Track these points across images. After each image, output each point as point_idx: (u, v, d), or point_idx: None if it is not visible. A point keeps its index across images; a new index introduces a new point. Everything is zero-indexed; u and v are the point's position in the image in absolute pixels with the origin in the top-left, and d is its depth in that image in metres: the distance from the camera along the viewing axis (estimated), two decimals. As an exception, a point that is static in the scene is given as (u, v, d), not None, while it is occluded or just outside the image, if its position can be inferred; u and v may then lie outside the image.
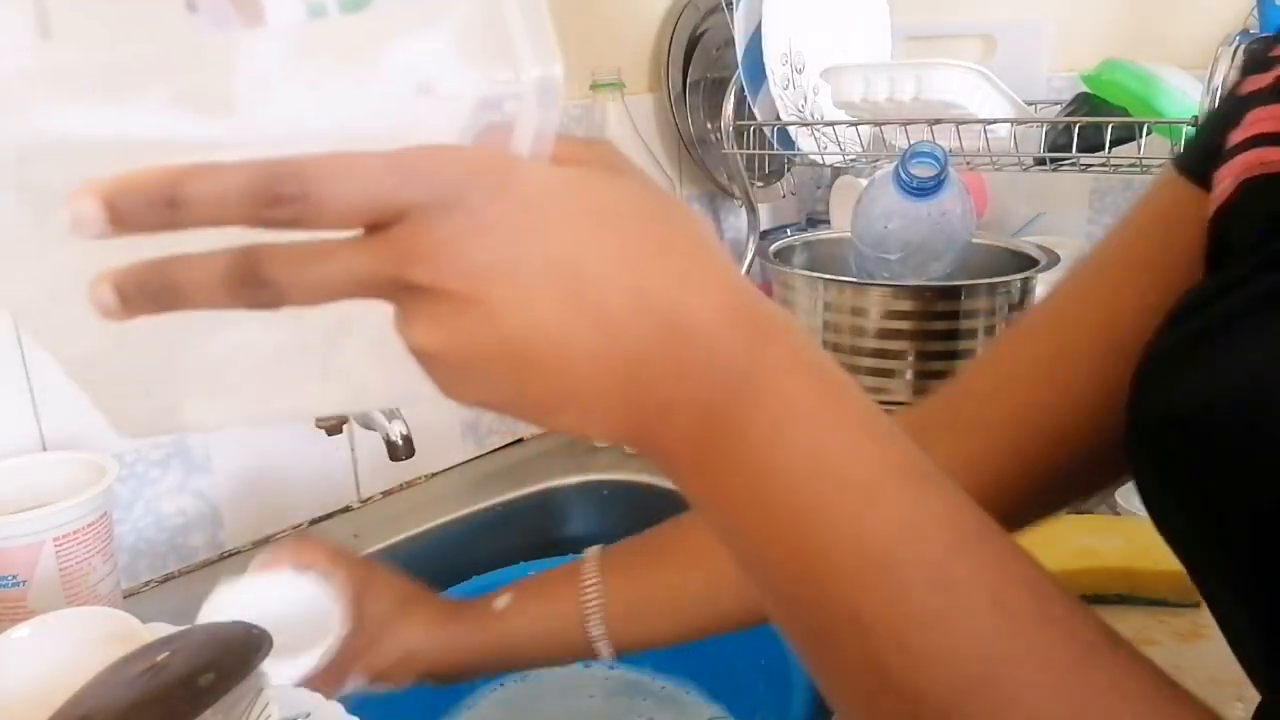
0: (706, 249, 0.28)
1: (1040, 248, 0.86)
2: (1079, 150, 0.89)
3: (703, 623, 0.53)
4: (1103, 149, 0.87)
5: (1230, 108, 0.37)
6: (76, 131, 0.26)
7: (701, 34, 1.18)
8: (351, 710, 0.56)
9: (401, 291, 0.26)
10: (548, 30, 0.26)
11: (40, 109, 0.26)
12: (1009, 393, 0.44)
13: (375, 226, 0.26)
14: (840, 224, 1.15)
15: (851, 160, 1.06)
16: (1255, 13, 0.95)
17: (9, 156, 0.26)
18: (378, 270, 0.26)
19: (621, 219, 0.27)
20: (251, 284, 0.26)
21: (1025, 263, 0.84)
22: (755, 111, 1.07)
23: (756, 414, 0.27)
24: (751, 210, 1.17)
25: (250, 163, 0.25)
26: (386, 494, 0.95)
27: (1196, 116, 0.80)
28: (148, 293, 0.28)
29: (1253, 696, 0.38)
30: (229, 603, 0.53)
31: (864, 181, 1.04)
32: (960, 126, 0.91)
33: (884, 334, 0.78)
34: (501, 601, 0.56)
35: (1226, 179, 0.35)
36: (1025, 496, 0.43)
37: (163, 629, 0.56)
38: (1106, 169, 0.93)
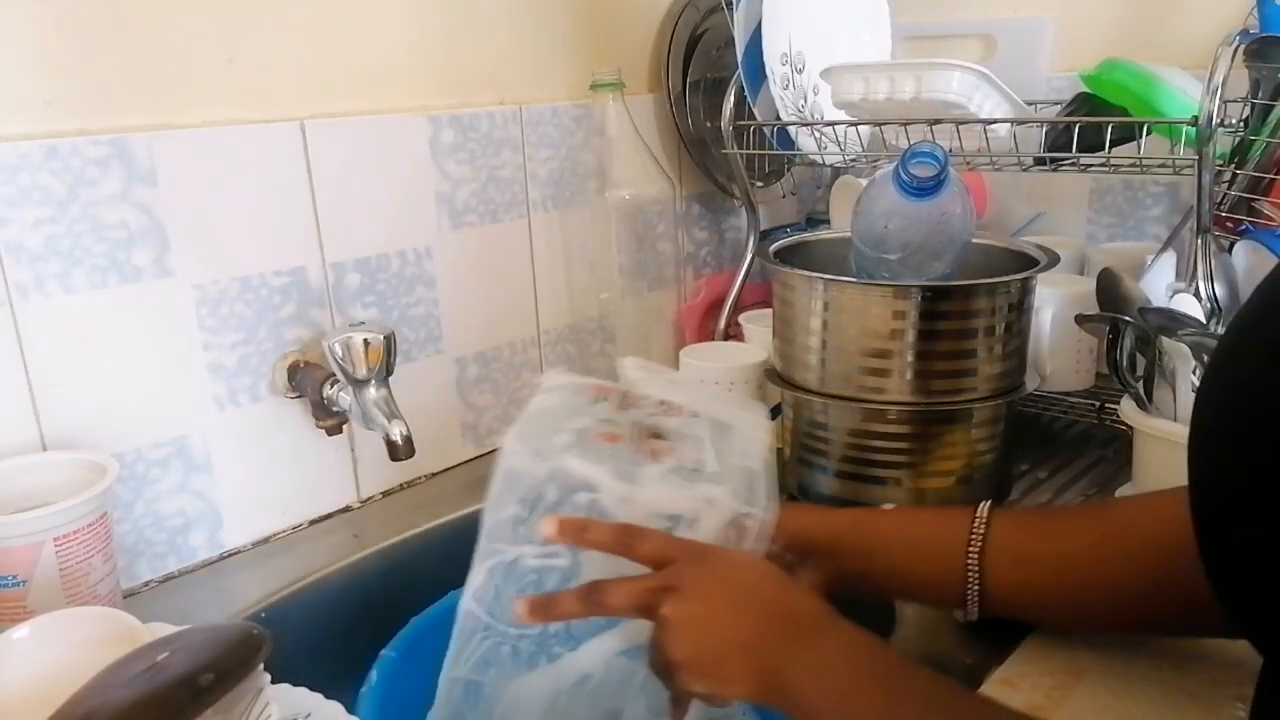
0: (810, 622, 0.51)
1: (1040, 248, 0.86)
2: (1079, 150, 0.89)
3: (1090, 596, 0.56)
4: (1103, 149, 0.87)
5: None
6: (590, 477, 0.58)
7: (701, 34, 1.18)
8: (353, 711, 0.56)
9: (663, 601, 0.51)
10: (774, 493, 0.57)
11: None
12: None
13: (658, 566, 0.53)
14: (840, 224, 1.15)
15: (851, 160, 1.06)
16: (1255, 13, 0.95)
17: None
18: (659, 584, 0.51)
19: (764, 586, 0.53)
20: (590, 596, 0.53)
21: (1025, 263, 0.84)
22: (755, 111, 1.07)
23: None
24: (751, 210, 1.17)
25: (616, 525, 0.55)
26: (386, 494, 0.95)
27: (1196, 116, 0.80)
28: (541, 607, 0.53)
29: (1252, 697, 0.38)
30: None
31: (864, 181, 1.04)
32: (960, 126, 0.91)
33: (884, 334, 0.78)
34: (889, 505, 0.65)
35: None
36: None
37: (163, 629, 0.56)
38: (1106, 169, 0.93)
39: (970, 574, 0.58)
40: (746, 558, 0.55)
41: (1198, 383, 0.79)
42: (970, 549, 0.58)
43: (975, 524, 0.59)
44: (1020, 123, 0.92)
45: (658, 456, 0.59)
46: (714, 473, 0.58)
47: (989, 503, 0.60)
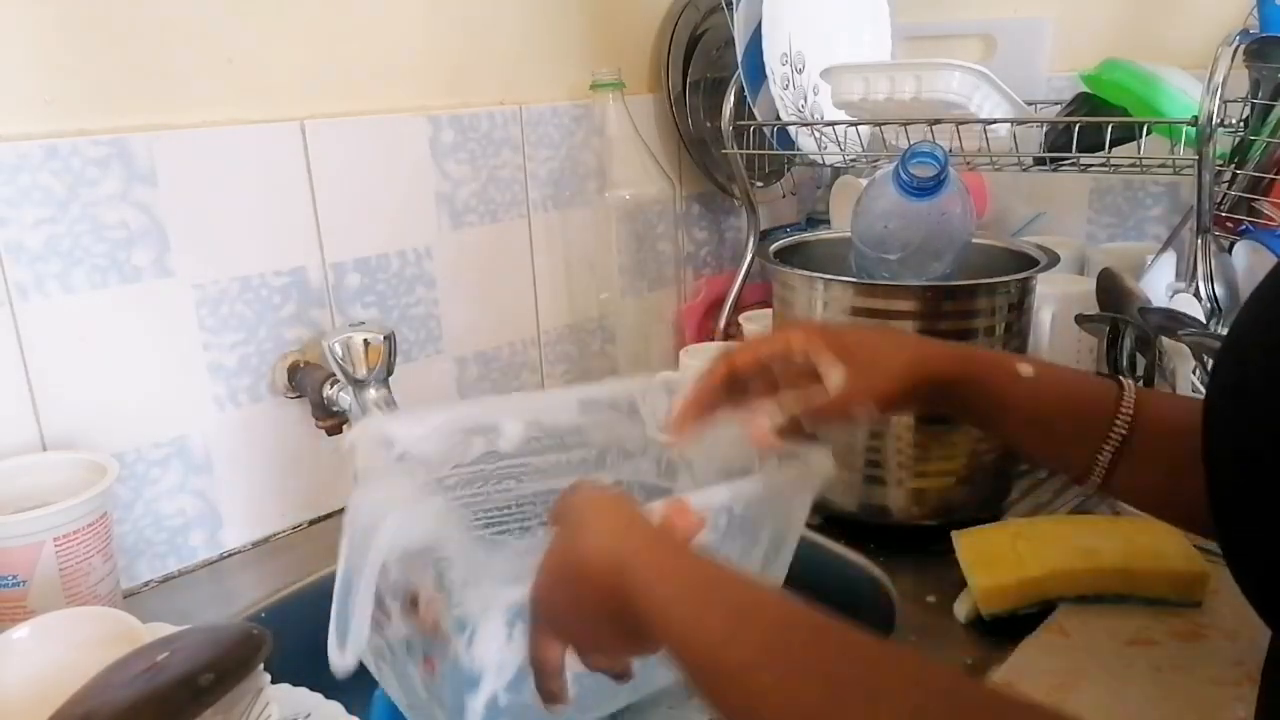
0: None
1: (1040, 248, 0.86)
2: (1079, 150, 0.89)
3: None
4: (1103, 149, 0.87)
5: None
6: None
7: (701, 34, 1.18)
8: (353, 712, 0.56)
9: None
10: None
11: None
12: None
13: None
14: (840, 224, 1.15)
15: (851, 160, 1.06)
16: (1255, 13, 0.95)
17: None
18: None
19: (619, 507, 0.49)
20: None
21: (1025, 263, 0.84)
22: (755, 111, 1.07)
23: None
24: (751, 210, 1.17)
25: None
26: (386, 494, 0.95)
27: (1196, 116, 0.80)
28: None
29: (1252, 698, 0.38)
30: None
31: (864, 181, 1.04)
32: (960, 126, 0.91)
33: (884, 334, 0.78)
34: (1025, 369, 0.58)
35: None
36: None
37: (163, 629, 0.56)
38: (1106, 169, 0.93)
39: (1096, 469, 0.55)
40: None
41: (1207, 374, 0.79)
42: (1104, 445, 0.55)
43: (1123, 404, 0.55)
44: (1020, 123, 0.92)
45: None
46: None
47: (1135, 390, 0.56)
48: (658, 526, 0.48)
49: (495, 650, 0.51)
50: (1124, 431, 0.55)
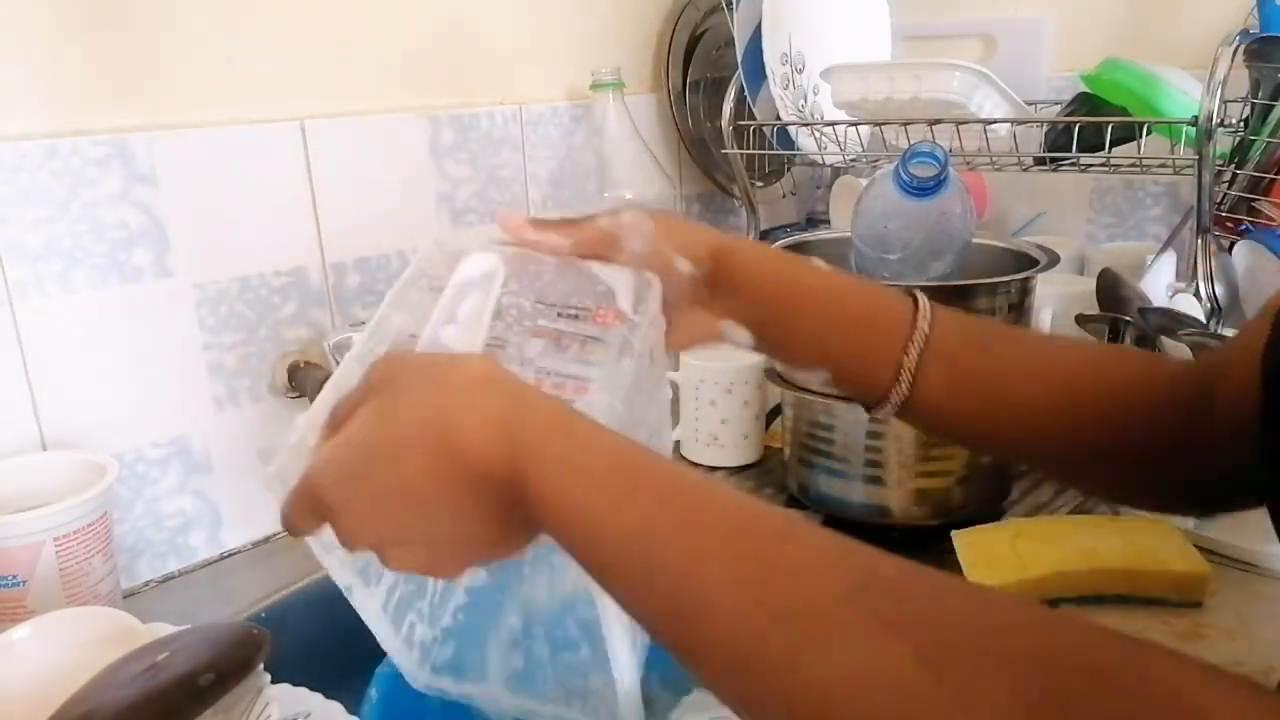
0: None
1: (1040, 248, 0.86)
2: (1079, 150, 0.89)
3: (1021, 431, 0.51)
4: (1103, 149, 0.87)
5: None
6: None
7: (701, 34, 1.18)
8: (353, 712, 0.56)
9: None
10: None
11: None
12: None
13: None
14: (840, 224, 1.15)
15: (851, 160, 1.06)
16: (1255, 13, 0.95)
17: None
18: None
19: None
20: None
21: (1025, 263, 0.84)
22: (755, 111, 1.07)
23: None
24: (751, 210, 1.17)
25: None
26: (386, 494, 0.95)
27: (1196, 116, 0.80)
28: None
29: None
30: None
31: (864, 181, 1.04)
32: (960, 126, 0.91)
33: (884, 334, 0.78)
34: (821, 264, 0.54)
35: None
36: None
37: (163, 629, 0.56)
38: (1106, 169, 0.93)
39: (902, 376, 0.51)
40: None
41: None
42: (908, 349, 0.51)
43: (917, 323, 0.51)
44: (1020, 123, 0.92)
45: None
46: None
47: (930, 303, 0.53)
48: (551, 400, 0.39)
49: None
50: (926, 332, 0.51)
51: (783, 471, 0.91)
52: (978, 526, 0.77)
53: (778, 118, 1.05)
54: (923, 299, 0.53)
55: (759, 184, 1.21)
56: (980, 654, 0.28)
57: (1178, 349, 0.76)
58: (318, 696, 0.57)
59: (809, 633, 0.30)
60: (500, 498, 0.36)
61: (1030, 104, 0.99)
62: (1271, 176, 0.87)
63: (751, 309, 0.52)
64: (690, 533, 0.33)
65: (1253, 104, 0.87)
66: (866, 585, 0.30)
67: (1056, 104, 1.00)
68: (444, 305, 0.45)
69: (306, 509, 0.38)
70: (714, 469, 0.95)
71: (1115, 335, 0.81)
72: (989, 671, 0.28)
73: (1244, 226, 0.92)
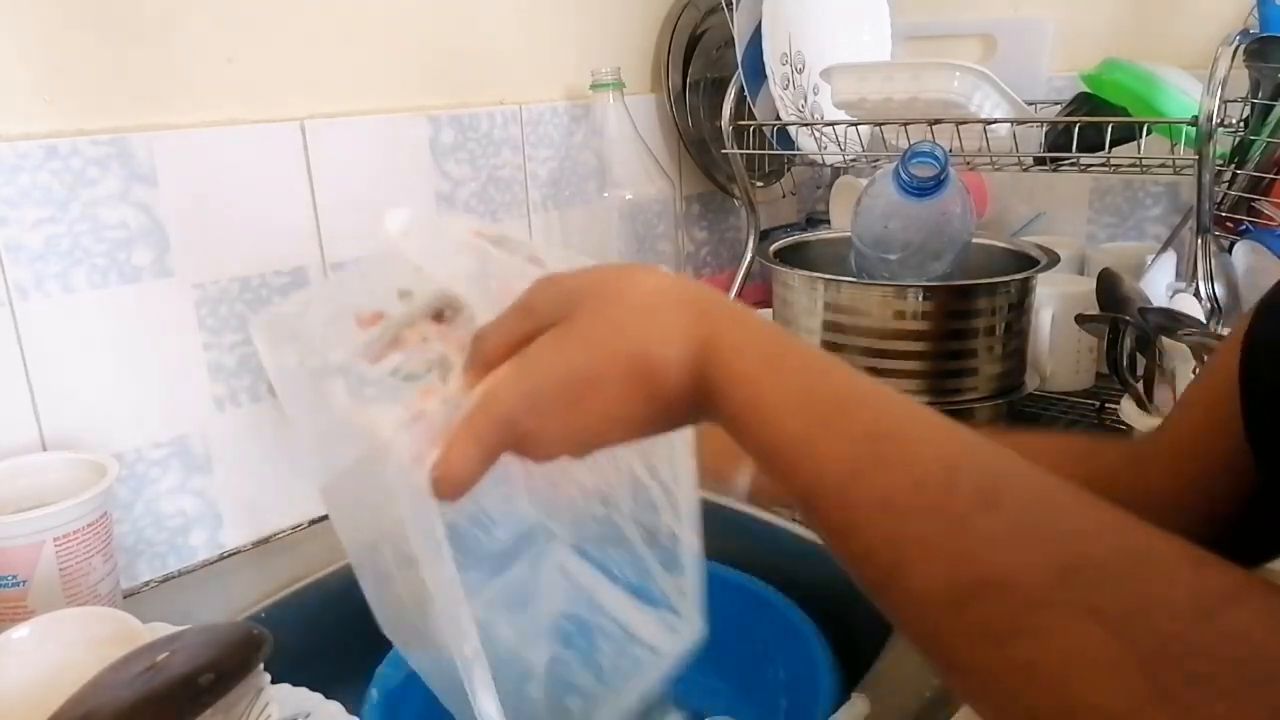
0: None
1: (1040, 248, 0.86)
2: (1079, 150, 0.89)
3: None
4: (1103, 149, 0.87)
5: None
6: None
7: (701, 34, 1.18)
8: (353, 712, 0.56)
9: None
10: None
11: None
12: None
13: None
14: (840, 224, 1.15)
15: (851, 160, 1.06)
16: (1255, 13, 0.95)
17: None
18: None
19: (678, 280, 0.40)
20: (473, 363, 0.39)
21: (1025, 263, 0.84)
22: (755, 111, 1.07)
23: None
24: (751, 210, 1.17)
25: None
26: (386, 494, 0.95)
27: (1196, 116, 0.80)
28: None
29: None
30: None
31: (864, 181, 1.04)
32: (960, 126, 0.91)
33: (884, 334, 0.78)
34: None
35: None
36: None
37: (163, 629, 0.56)
38: (1106, 169, 0.93)
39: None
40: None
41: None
42: None
43: None
44: (1020, 123, 0.92)
45: (390, 351, 0.41)
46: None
47: None
48: (731, 300, 0.40)
49: None
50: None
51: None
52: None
53: (778, 118, 1.05)
54: None
55: (759, 184, 1.21)
56: (1199, 656, 0.25)
57: (1177, 349, 0.76)
58: (318, 696, 0.57)
59: (1013, 613, 0.27)
60: (689, 405, 0.36)
61: (1030, 104, 0.99)
62: (1271, 176, 0.87)
63: None
64: (887, 476, 0.31)
65: (1253, 104, 0.87)
66: (1075, 569, 0.27)
67: (1056, 104, 1.00)
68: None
69: (491, 437, 0.37)
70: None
71: (1115, 335, 0.81)
72: (1208, 684, 0.25)
73: (1244, 226, 0.92)
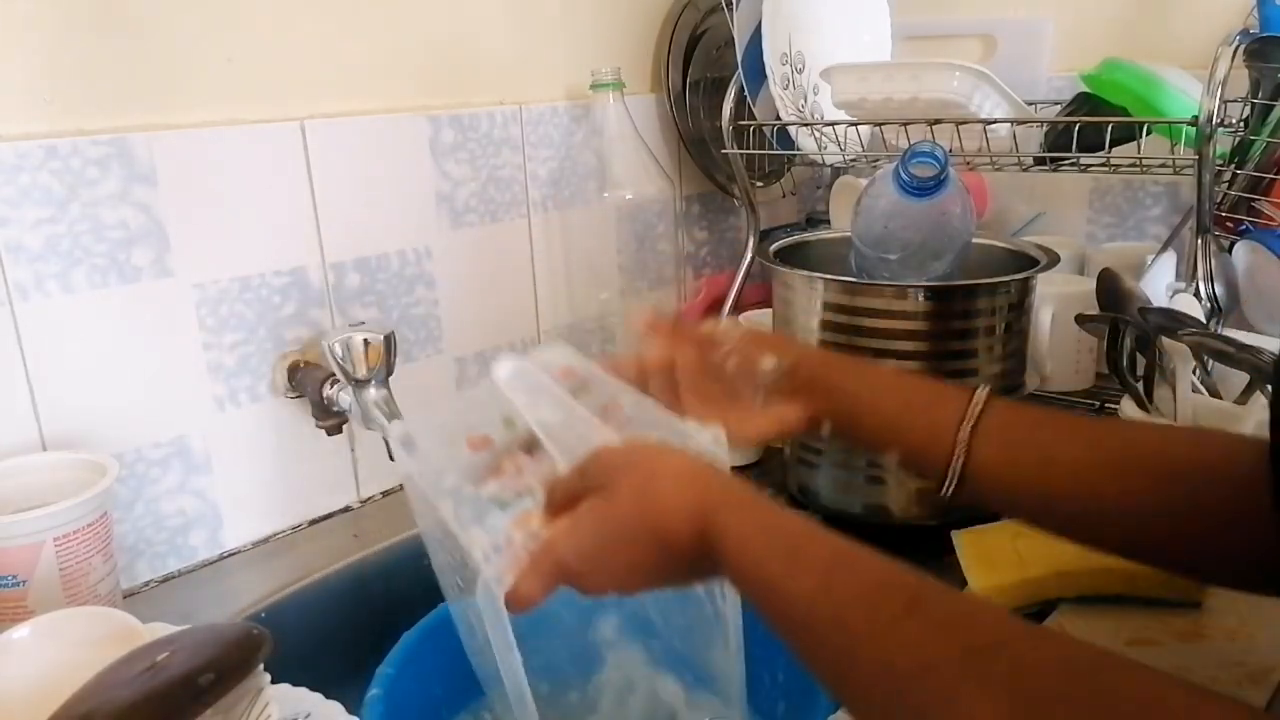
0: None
1: (1040, 248, 0.86)
2: (1079, 150, 0.89)
3: (1069, 503, 0.55)
4: (1103, 149, 0.87)
5: None
6: None
7: (701, 34, 1.18)
8: (353, 712, 0.56)
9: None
10: None
11: None
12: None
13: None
14: (840, 224, 1.15)
15: (851, 160, 1.06)
16: (1255, 13, 0.95)
17: None
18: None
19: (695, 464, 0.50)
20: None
21: (1025, 263, 0.84)
22: (755, 111, 1.07)
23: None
24: (751, 210, 1.17)
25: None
26: (386, 494, 0.95)
27: (1196, 116, 0.80)
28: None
29: (1253, 697, 0.38)
30: None
31: (864, 181, 1.04)
32: (960, 126, 0.91)
33: (884, 334, 0.78)
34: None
35: None
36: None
37: (163, 629, 0.56)
38: (1106, 169, 0.93)
39: (958, 448, 0.57)
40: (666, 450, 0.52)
41: (1206, 373, 0.79)
42: (964, 423, 0.57)
43: (973, 402, 0.58)
44: (1020, 123, 0.92)
45: (490, 478, 0.54)
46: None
47: (988, 388, 0.59)
48: (730, 478, 0.50)
49: None
50: (980, 408, 0.58)
51: (783, 471, 0.91)
52: (978, 526, 0.77)
53: (778, 118, 1.05)
54: (982, 389, 0.59)
55: (759, 184, 1.21)
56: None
57: (1177, 349, 0.76)
58: (318, 696, 0.57)
59: (937, 689, 0.37)
60: (697, 564, 0.47)
61: (1030, 104, 0.99)
62: (1271, 176, 0.87)
63: (831, 400, 0.62)
64: (837, 597, 0.42)
65: (1253, 104, 0.87)
66: (988, 648, 0.38)
67: (1056, 104, 1.00)
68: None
69: (550, 577, 0.48)
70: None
71: (1115, 335, 0.81)
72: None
73: (1244, 226, 0.92)
